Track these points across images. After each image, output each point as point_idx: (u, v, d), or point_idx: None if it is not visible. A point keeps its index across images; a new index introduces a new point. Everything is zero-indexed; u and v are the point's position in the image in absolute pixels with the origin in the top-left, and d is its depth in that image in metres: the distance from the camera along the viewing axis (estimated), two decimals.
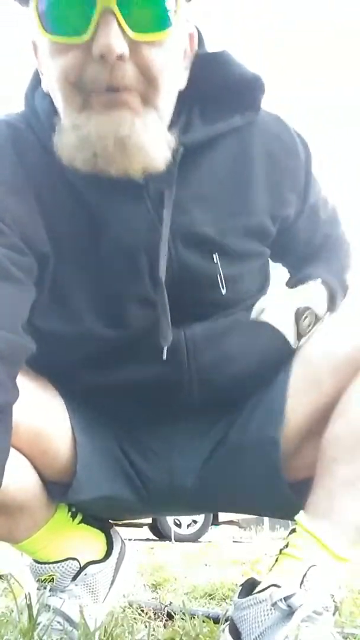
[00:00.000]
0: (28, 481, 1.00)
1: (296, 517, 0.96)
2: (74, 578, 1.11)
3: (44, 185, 0.94)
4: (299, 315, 1.05)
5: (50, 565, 1.10)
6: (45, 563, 1.11)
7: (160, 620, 1.37)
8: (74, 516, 1.13)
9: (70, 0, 0.80)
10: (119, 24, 0.78)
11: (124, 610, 1.43)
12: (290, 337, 1.05)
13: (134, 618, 1.33)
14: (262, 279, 1.10)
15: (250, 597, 0.93)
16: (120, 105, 0.83)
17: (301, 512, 0.96)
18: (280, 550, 0.97)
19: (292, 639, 0.84)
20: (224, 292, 0.99)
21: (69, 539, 1.12)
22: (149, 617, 1.38)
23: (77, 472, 1.01)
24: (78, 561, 1.11)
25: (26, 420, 0.96)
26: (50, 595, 1.10)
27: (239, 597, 0.95)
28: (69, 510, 1.12)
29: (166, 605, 1.45)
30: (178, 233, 0.96)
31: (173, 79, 0.89)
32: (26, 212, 0.93)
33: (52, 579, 1.10)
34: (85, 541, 1.14)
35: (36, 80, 0.98)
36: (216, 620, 1.13)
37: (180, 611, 1.34)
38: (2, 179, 0.93)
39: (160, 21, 0.82)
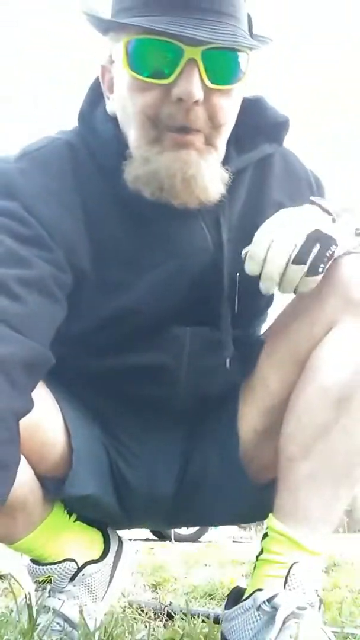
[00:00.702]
0: (25, 477, 1.01)
1: (266, 521, 0.98)
2: (72, 579, 1.11)
3: (95, 203, 0.99)
4: (310, 243, 0.94)
5: (48, 567, 1.10)
6: (42, 564, 1.11)
7: (160, 620, 1.37)
8: (69, 514, 1.13)
9: (160, 47, 0.88)
10: (200, 74, 0.88)
11: (124, 610, 1.43)
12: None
13: (134, 618, 1.33)
14: (268, 297, 1.11)
15: (236, 607, 0.95)
16: (188, 145, 0.92)
17: (270, 515, 0.98)
18: (257, 557, 0.98)
19: (290, 638, 0.84)
20: (236, 310, 1.03)
21: (66, 538, 1.12)
22: (149, 617, 1.38)
23: (74, 464, 1.02)
24: (76, 562, 1.11)
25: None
26: (49, 597, 1.10)
27: (225, 609, 0.97)
28: (65, 508, 1.12)
29: (166, 605, 1.45)
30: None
31: (233, 122, 0.98)
32: (74, 231, 0.98)
33: (50, 580, 1.10)
34: (82, 541, 1.15)
35: (93, 102, 1.04)
36: (216, 620, 1.13)
37: (180, 611, 1.34)
38: (58, 197, 0.97)
39: (233, 75, 0.93)
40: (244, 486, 1.06)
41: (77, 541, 1.13)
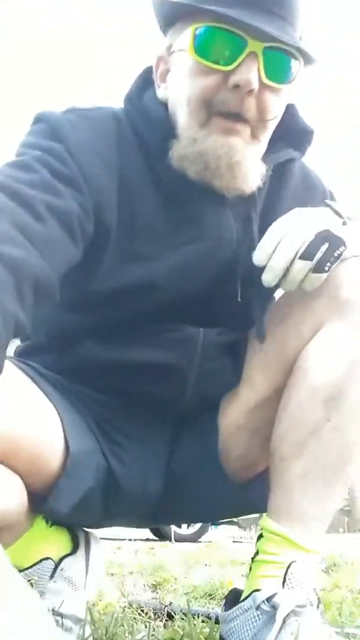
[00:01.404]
0: (21, 500, 0.99)
1: (260, 522, 0.99)
2: (52, 576, 1.10)
3: (133, 173, 1.03)
4: (317, 242, 0.96)
5: (27, 571, 1.08)
6: (20, 570, 1.07)
7: (160, 620, 1.37)
8: (47, 520, 1.11)
9: (227, 37, 0.95)
10: (258, 67, 0.95)
11: (124, 610, 1.42)
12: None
13: (134, 618, 1.33)
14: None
15: (234, 608, 0.95)
16: (235, 133, 0.97)
17: (264, 516, 0.98)
18: (252, 558, 0.98)
19: (291, 636, 0.84)
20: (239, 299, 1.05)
21: (40, 542, 1.11)
22: (149, 617, 1.38)
23: (67, 469, 0.99)
24: (52, 559, 1.10)
25: (23, 428, 0.94)
26: None
27: (224, 611, 0.97)
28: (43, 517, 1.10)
29: (166, 605, 1.44)
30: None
31: (277, 121, 1.04)
32: (108, 185, 1.00)
33: (31, 584, 1.09)
34: (53, 539, 1.13)
35: (142, 86, 1.10)
36: (216, 621, 1.13)
37: (180, 611, 1.34)
38: (98, 149, 1.00)
39: (286, 76, 0.99)
40: (223, 482, 1.07)
41: (48, 541, 1.12)
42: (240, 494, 1.08)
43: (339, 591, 1.99)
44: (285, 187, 1.14)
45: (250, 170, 0.99)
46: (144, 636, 1.08)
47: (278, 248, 0.97)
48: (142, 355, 1.05)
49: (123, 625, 1.15)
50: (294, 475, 0.96)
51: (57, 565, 1.11)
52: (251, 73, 0.94)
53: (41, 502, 1.02)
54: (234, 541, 6.92)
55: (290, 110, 1.10)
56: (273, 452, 0.99)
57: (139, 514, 1.21)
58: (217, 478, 1.08)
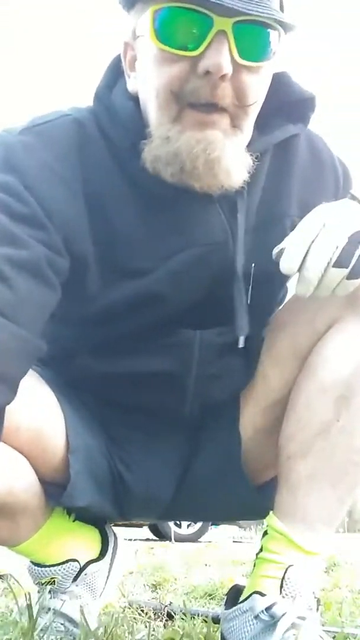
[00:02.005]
0: (29, 480, 1.01)
1: (266, 519, 0.98)
2: (75, 579, 1.11)
3: (103, 186, 0.95)
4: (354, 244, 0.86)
5: (52, 568, 1.10)
6: (45, 566, 1.10)
7: (160, 620, 1.37)
8: (69, 513, 1.12)
9: (190, 17, 0.83)
10: (229, 47, 0.83)
11: (124, 610, 1.42)
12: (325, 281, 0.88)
13: (134, 618, 1.33)
14: (283, 293, 1.10)
15: (234, 608, 0.95)
16: (212, 125, 0.87)
17: (270, 513, 0.97)
18: (256, 554, 0.98)
19: None
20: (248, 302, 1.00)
21: (67, 539, 1.11)
22: (149, 617, 1.38)
23: (72, 478, 1.01)
24: (78, 562, 1.11)
25: (26, 419, 0.97)
26: (50, 598, 1.10)
27: (225, 609, 0.96)
28: (64, 509, 1.12)
29: (166, 605, 1.44)
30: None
31: (260, 103, 0.93)
32: (75, 211, 0.93)
33: (54, 581, 1.10)
34: (82, 540, 1.14)
35: (111, 80, 1.00)
36: (216, 620, 1.13)
37: (180, 611, 1.34)
38: (59, 175, 0.92)
39: (264, 52, 0.87)
40: (243, 486, 1.06)
41: (77, 541, 1.13)
42: (259, 496, 1.06)
43: (339, 591, 1.99)
44: (291, 166, 1.03)
45: (232, 164, 0.88)
46: (144, 636, 1.08)
47: (309, 257, 0.85)
48: (138, 365, 1.02)
49: (123, 625, 1.15)
50: (300, 475, 0.94)
51: (82, 568, 1.12)
52: (222, 55, 0.82)
53: (56, 496, 1.03)
54: (234, 541, 6.92)
55: (282, 80, 1.00)
56: (281, 450, 0.98)
57: (149, 514, 1.21)
58: (238, 480, 1.05)
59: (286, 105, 1.01)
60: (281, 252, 0.89)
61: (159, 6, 0.85)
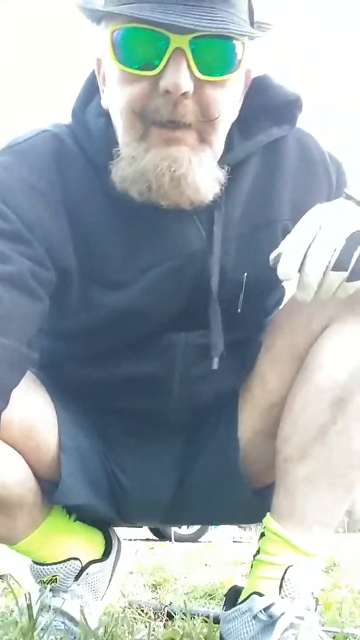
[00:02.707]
0: (23, 475, 1.01)
1: (263, 520, 0.98)
2: (76, 578, 1.11)
3: (83, 200, 0.96)
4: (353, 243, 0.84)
5: (53, 566, 1.10)
6: (46, 564, 1.11)
7: (160, 620, 1.37)
8: (69, 513, 1.13)
9: (145, 36, 0.83)
10: (188, 64, 0.83)
11: (124, 610, 1.43)
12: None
13: (134, 618, 1.33)
14: (279, 295, 1.10)
15: (233, 609, 0.95)
16: (178, 142, 0.86)
17: (267, 514, 0.97)
18: (254, 556, 0.98)
19: None
20: (239, 310, 1.00)
21: (68, 538, 1.12)
22: (149, 617, 1.38)
23: (62, 475, 1.02)
24: (80, 561, 1.11)
25: (19, 415, 0.98)
26: (52, 596, 1.10)
27: (224, 610, 0.97)
28: (64, 508, 1.12)
29: (166, 605, 1.44)
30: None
31: (229, 116, 0.92)
32: (56, 225, 0.95)
33: (55, 579, 1.10)
34: (84, 540, 1.15)
35: (86, 96, 1.01)
36: (216, 620, 1.13)
37: (180, 611, 1.34)
38: (38, 190, 0.94)
39: (227, 64, 0.86)
40: (243, 490, 1.05)
41: (78, 541, 1.13)
42: (259, 500, 1.05)
43: (339, 591, 1.99)
44: (280, 169, 1.02)
45: (200, 180, 0.88)
46: (144, 636, 1.08)
47: (307, 261, 0.83)
48: (122, 369, 1.03)
49: (123, 625, 1.15)
50: (298, 478, 0.94)
51: (84, 568, 1.12)
52: (180, 74, 0.82)
53: (50, 493, 1.04)
54: (234, 541, 6.92)
55: (263, 84, 1.00)
56: (278, 453, 0.98)
57: (150, 518, 1.23)
58: (237, 484, 1.05)
59: (271, 108, 1.00)
60: (278, 257, 0.87)
61: (117, 26, 0.85)
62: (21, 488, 1.01)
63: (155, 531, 5.94)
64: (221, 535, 7.87)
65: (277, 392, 1.02)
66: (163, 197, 0.89)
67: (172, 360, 1.02)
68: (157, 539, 5.83)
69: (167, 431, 1.10)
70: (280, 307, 1.11)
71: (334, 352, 0.95)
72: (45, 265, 0.93)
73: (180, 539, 5.53)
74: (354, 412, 0.92)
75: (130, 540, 4.22)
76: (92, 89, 1.00)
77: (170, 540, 5.38)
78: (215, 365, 0.99)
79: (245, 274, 0.98)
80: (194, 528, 5.95)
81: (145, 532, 6.04)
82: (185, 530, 5.90)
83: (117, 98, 0.89)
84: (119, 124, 0.91)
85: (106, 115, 0.95)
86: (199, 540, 5.84)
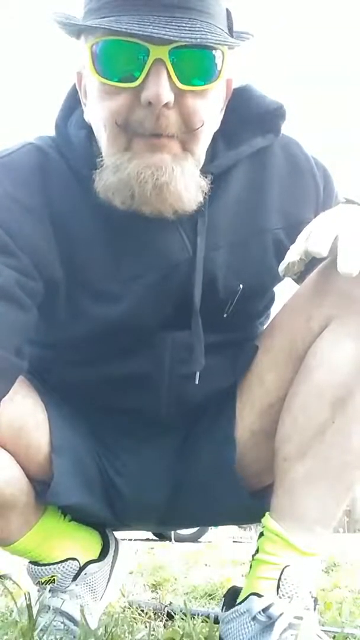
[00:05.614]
0: (13, 474, 1.01)
1: (262, 520, 0.98)
2: (75, 578, 1.11)
3: (67, 211, 0.97)
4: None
5: (51, 567, 1.10)
6: (45, 565, 1.11)
7: (160, 620, 1.37)
8: (64, 514, 1.13)
9: (124, 48, 0.84)
10: (169, 74, 0.84)
11: (124, 610, 1.43)
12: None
13: (134, 618, 1.33)
14: (269, 299, 1.11)
15: (231, 610, 0.95)
16: (161, 149, 0.87)
17: (266, 514, 0.97)
18: (253, 556, 0.98)
19: None
20: (225, 315, 1.02)
21: (64, 539, 1.12)
22: (149, 617, 1.38)
23: (54, 475, 1.02)
24: (78, 561, 1.11)
25: (8, 415, 0.98)
26: (50, 597, 1.10)
27: (223, 611, 0.97)
28: (59, 509, 1.12)
29: (166, 605, 1.44)
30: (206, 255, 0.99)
31: (212, 125, 0.94)
32: (41, 236, 0.96)
33: (54, 580, 1.10)
34: (81, 541, 1.15)
35: (68, 109, 1.02)
36: (216, 621, 1.13)
37: (180, 611, 1.34)
38: (22, 202, 0.95)
39: (208, 74, 0.87)
40: (239, 492, 1.05)
41: (75, 541, 1.13)
42: (256, 502, 1.05)
43: (339, 591, 1.99)
44: (266, 178, 1.03)
45: (182, 188, 0.88)
46: (144, 636, 1.08)
47: (341, 237, 0.84)
48: (112, 368, 1.04)
49: (123, 626, 1.15)
50: (297, 477, 0.94)
51: (82, 568, 1.12)
52: (161, 84, 0.83)
53: (42, 493, 1.04)
54: (234, 541, 6.92)
55: (245, 94, 1.01)
56: (277, 452, 0.98)
57: (146, 520, 1.21)
58: (234, 486, 1.05)
59: (254, 117, 1.01)
60: (288, 267, 0.89)
61: (96, 39, 0.86)
62: (12, 488, 1.01)
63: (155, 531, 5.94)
64: (221, 535, 7.87)
65: (275, 392, 1.02)
66: (146, 204, 0.90)
67: (160, 358, 1.03)
68: (157, 539, 5.83)
69: (160, 431, 1.10)
70: (271, 309, 1.12)
71: (333, 351, 0.94)
72: (32, 276, 0.94)
73: (180, 539, 5.53)
74: (353, 411, 0.92)
75: (130, 540, 4.22)
76: (73, 102, 1.01)
77: (170, 540, 5.38)
78: (196, 380, 1.01)
79: (237, 283, 1.00)
80: (194, 528, 5.95)
81: (145, 532, 6.04)
82: (185, 530, 5.89)
83: (99, 111, 0.90)
84: (102, 136, 0.92)
85: (88, 127, 0.96)
86: (199, 540, 5.84)
